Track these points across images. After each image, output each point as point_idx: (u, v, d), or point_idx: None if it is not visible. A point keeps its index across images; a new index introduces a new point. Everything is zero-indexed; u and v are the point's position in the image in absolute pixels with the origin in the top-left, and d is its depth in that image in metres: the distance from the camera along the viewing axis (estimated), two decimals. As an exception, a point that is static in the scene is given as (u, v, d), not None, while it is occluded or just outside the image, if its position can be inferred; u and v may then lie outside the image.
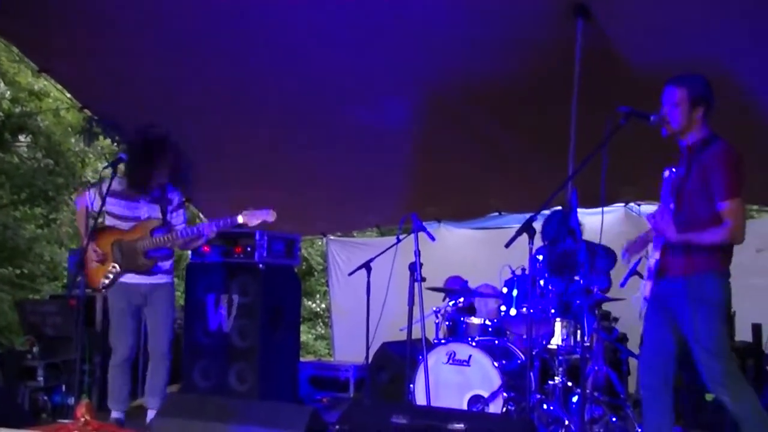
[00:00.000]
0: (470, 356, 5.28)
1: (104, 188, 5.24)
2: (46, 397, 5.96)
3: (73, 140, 14.00)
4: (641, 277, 5.69)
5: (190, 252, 6.40)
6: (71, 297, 6.41)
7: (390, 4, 5.79)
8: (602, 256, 5.54)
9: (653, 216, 4.04)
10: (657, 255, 4.06)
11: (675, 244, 3.98)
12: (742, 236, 3.94)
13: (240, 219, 5.15)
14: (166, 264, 5.45)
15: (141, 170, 5.29)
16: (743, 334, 6.37)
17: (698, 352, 3.92)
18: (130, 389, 5.45)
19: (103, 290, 5.35)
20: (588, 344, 5.03)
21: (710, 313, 3.92)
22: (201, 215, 9.81)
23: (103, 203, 5.20)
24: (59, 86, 7.85)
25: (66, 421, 4.96)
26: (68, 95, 7.95)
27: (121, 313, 5.34)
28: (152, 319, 5.42)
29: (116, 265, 5.28)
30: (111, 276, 5.28)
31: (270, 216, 5.19)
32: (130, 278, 5.32)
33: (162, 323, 5.40)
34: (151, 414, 5.32)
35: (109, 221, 5.37)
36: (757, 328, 6.26)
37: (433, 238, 5.63)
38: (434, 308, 5.80)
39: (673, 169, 4.05)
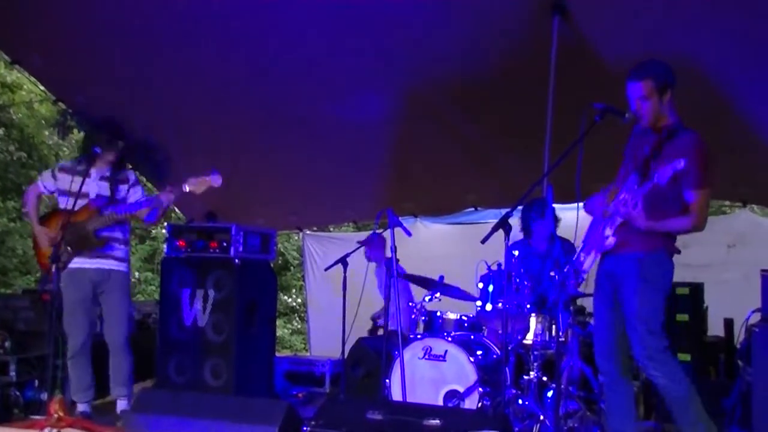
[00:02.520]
0: (446, 351, 5.29)
1: (57, 168, 5.48)
2: (18, 393, 5.89)
3: (46, 133, 13.88)
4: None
5: (165, 246, 6.37)
6: (44, 291, 6.35)
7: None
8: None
9: (623, 204, 4.02)
10: (610, 232, 4.10)
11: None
12: (704, 226, 3.99)
13: (186, 188, 5.36)
14: (120, 251, 5.48)
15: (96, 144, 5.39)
16: (716, 329, 6.44)
17: (638, 327, 3.98)
18: (91, 378, 5.44)
19: (58, 271, 5.26)
20: (563, 339, 5.06)
21: (658, 292, 4.01)
22: (176, 209, 9.76)
23: (82, 181, 5.23)
24: (32, 78, 7.76)
25: (39, 417, 4.92)
26: (41, 87, 7.86)
27: (72, 306, 5.34)
28: (107, 310, 5.46)
29: (67, 246, 5.27)
30: (64, 258, 5.26)
31: (215, 181, 5.39)
32: (79, 262, 5.34)
33: (117, 314, 5.42)
34: (121, 404, 5.38)
35: (61, 201, 5.40)
36: (729, 323, 6.32)
37: (409, 234, 5.64)
38: (410, 303, 5.81)
39: (645, 150, 4.05)
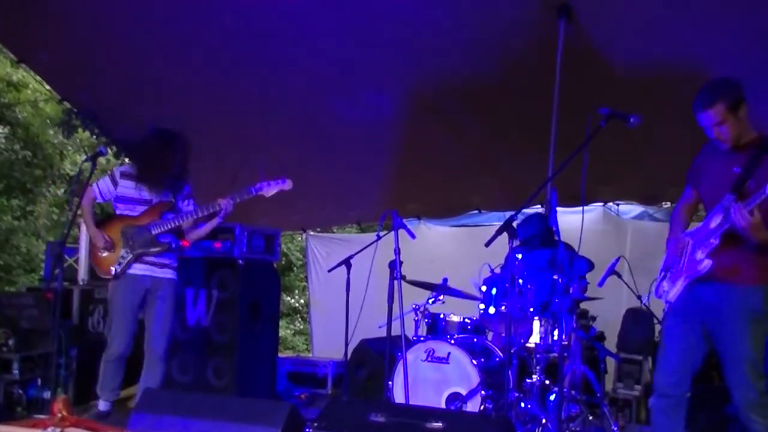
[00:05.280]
0: (449, 354, 5.29)
1: (117, 173, 5.34)
2: (21, 391, 5.89)
3: (51, 132, 13.91)
4: (619, 276, 5.74)
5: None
6: (47, 289, 6.36)
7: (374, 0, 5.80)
8: (579, 258, 5.56)
9: (737, 218, 3.62)
10: (703, 255, 3.80)
11: (747, 250, 3.69)
12: None
13: (255, 191, 5.35)
14: (173, 259, 5.41)
15: (155, 169, 5.32)
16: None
17: (744, 371, 3.67)
18: (121, 381, 5.38)
19: (115, 278, 5.23)
20: (566, 343, 5.05)
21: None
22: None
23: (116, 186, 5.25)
24: (38, 77, 7.77)
25: (42, 416, 4.92)
26: (47, 86, 7.87)
27: (123, 310, 5.25)
28: (152, 318, 5.31)
29: (127, 250, 5.22)
30: (122, 262, 5.21)
31: (286, 185, 5.42)
32: (137, 269, 5.25)
33: (162, 324, 5.30)
34: None
35: (119, 208, 5.31)
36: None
37: (413, 236, 5.64)
38: (413, 305, 5.81)
39: (735, 169, 3.78)
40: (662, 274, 4.11)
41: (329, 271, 6.21)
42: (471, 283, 5.76)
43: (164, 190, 5.33)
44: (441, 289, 5.78)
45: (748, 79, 3.88)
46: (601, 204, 8.37)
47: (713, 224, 3.80)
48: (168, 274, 5.36)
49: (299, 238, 12.59)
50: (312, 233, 10.23)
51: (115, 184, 5.33)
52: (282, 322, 14.96)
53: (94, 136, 8.49)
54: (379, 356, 6.30)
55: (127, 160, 5.46)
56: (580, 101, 4.90)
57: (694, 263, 3.84)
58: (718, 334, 3.78)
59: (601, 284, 5.66)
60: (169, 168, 5.34)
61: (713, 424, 5.40)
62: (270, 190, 5.38)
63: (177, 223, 5.29)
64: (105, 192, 5.34)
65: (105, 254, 5.23)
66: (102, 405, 5.34)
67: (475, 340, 5.62)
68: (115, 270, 5.21)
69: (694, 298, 3.86)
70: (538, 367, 5.23)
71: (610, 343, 6.97)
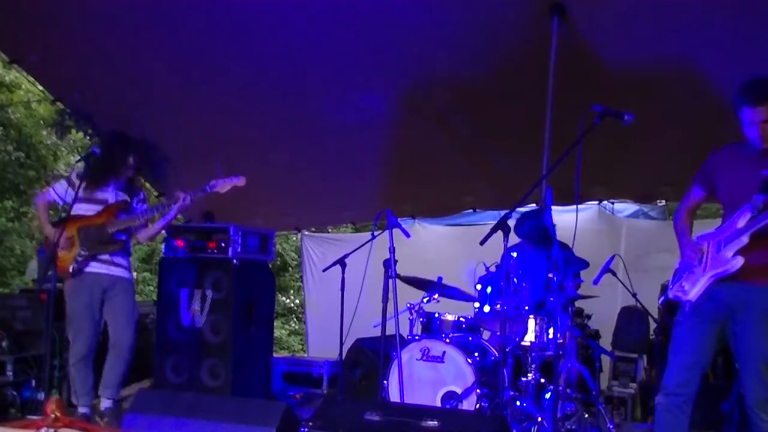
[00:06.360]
0: (444, 353, 5.28)
1: (74, 175, 5.37)
2: (15, 392, 5.88)
3: (44, 133, 13.87)
4: (614, 274, 5.74)
5: (163, 246, 6.36)
6: (41, 291, 6.33)
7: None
8: (574, 259, 5.55)
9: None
10: (732, 253, 3.76)
11: None
12: None
13: (209, 188, 5.42)
14: (126, 260, 5.50)
15: (102, 169, 5.36)
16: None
17: (759, 372, 3.68)
18: (93, 382, 5.40)
19: (72, 276, 5.28)
20: (561, 341, 5.05)
21: None
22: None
23: (78, 189, 5.19)
24: (31, 78, 7.74)
25: (35, 417, 4.91)
26: (40, 87, 7.85)
27: (82, 308, 5.31)
28: (114, 313, 5.39)
29: (84, 249, 5.27)
30: (79, 260, 5.26)
31: (240, 181, 5.46)
32: (94, 267, 5.32)
33: (125, 317, 5.39)
34: (105, 403, 5.35)
35: (75, 208, 5.30)
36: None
37: (407, 235, 5.62)
38: (408, 304, 5.80)
39: (764, 172, 3.72)
40: (677, 276, 4.06)
41: (324, 270, 6.19)
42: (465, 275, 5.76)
43: (109, 189, 5.40)
44: (436, 287, 5.77)
45: (741, 78, 3.87)
46: (596, 202, 8.37)
47: (740, 224, 3.75)
48: (123, 273, 5.45)
49: (294, 238, 12.59)
50: (307, 233, 10.22)
51: (72, 186, 5.36)
52: (277, 323, 14.95)
53: (88, 137, 8.45)
54: (374, 356, 6.29)
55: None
56: (573, 100, 4.90)
57: (723, 261, 3.79)
58: (737, 333, 3.77)
59: (596, 282, 5.66)
60: (116, 170, 5.41)
61: (708, 422, 5.41)
62: (224, 187, 5.45)
63: (131, 222, 5.39)
64: (62, 194, 5.41)
65: (62, 253, 5.26)
66: (81, 409, 5.36)
67: (470, 338, 5.61)
68: (72, 269, 5.26)
69: (711, 298, 3.83)
70: (533, 366, 5.23)
71: (605, 342, 6.97)
